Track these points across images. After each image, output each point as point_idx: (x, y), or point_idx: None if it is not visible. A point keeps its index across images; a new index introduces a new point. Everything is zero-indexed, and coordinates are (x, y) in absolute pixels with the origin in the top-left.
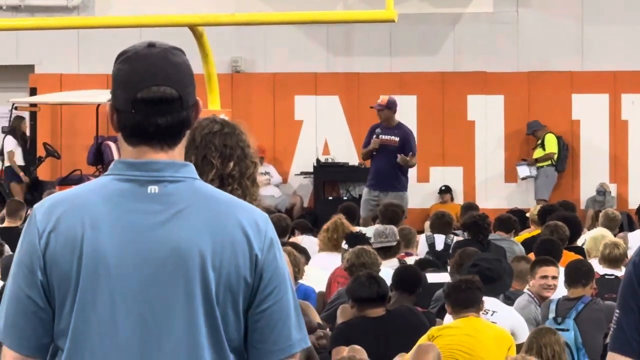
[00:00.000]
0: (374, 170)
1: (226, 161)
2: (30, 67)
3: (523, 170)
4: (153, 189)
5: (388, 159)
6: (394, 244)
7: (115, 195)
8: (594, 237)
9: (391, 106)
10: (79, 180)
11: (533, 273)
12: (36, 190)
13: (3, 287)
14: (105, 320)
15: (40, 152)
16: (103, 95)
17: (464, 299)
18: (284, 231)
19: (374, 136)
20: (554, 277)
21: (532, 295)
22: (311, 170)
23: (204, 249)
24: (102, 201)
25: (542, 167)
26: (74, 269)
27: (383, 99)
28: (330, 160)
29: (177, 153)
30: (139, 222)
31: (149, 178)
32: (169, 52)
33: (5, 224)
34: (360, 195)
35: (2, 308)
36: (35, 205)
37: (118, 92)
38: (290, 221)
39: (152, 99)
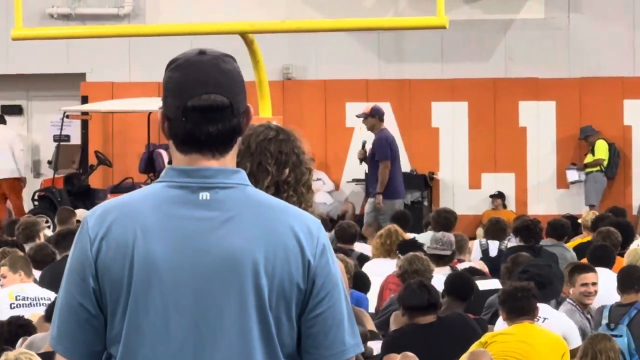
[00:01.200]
0: None
1: (281, 168)
2: (82, 76)
3: (572, 175)
4: (205, 195)
5: (370, 166)
6: (449, 253)
7: (167, 202)
8: (629, 254)
9: (374, 114)
10: (131, 188)
11: (572, 281)
12: (88, 199)
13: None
14: (158, 327)
15: (92, 160)
16: (154, 103)
17: (519, 307)
18: (352, 238)
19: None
20: (594, 284)
21: (574, 304)
22: (363, 177)
23: (256, 255)
24: (154, 208)
25: (590, 172)
26: (126, 275)
27: (368, 107)
28: None
29: (229, 160)
30: (190, 228)
31: (200, 184)
32: (219, 59)
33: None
34: (412, 202)
35: (54, 315)
36: (87, 213)
37: (169, 100)
38: (359, 228)
39: (203, 107)
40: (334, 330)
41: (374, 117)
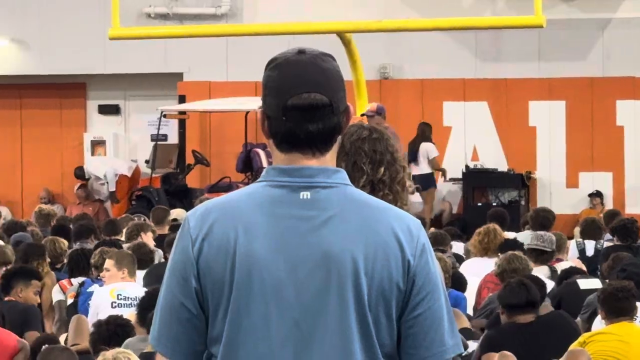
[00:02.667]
0: None
1: (376, 167)
2: (179, 75)
3: None
4: (305, 194)
5: None
6: (549, 250)
7: (268, 202)
8: None
9: (380, 112)
10: (228, 187)
11: None
12: (185, 198)
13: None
14: (259, 326)
15: (189, 159)
16: (251, 103)
17: (619, 307)
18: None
19: None
20: None
21: None
22: (460, 176)
23: (356, 255)
24: (255, 207)
25: None
26: (227, 275)
27: (372, 105)
28: (479, 166)
29: (329, 159)
30: (291, 227)
31: (301, 184)
32: (319, 58)
33: None
34: (509, 201)
35: (155, 315)
36: (188, 213)
37: (269, 99)
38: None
39: (303, 105)
40: (433, 330)
41: (380, 115)
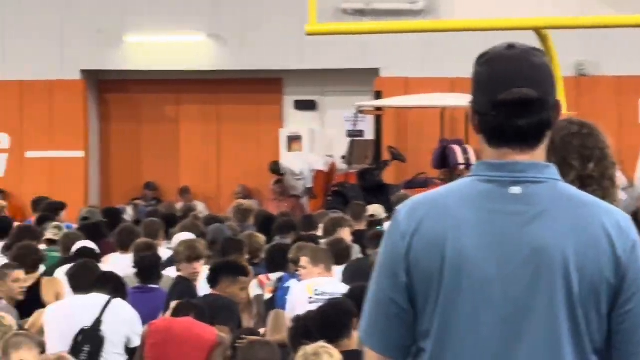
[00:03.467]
0: None
1: (585, 162)
2: (376, 71)
3: None
4: (515, 189)
5: None
6: None
7: (477, 197)
8: None
9: None
10: (425, 183)
11: None
12: (381, 194)
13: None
14: (467, 322)
15: (386, 155)
16: (448, 99)
17: None
18: None
19: None
20: None
21: None
22: None
23: (567, 250)
24: (464, 202)
25: None
26: (437, 270)
27: None
28: None
29: (539, 154)
30: (501, 223)
31: (511, 179)
32: (529, 53)
33: None
34: None
35: (365, 310)
36: (398, 207)
37: (478, 95)
38: None
39: (513, 100)
40: None
41: None
